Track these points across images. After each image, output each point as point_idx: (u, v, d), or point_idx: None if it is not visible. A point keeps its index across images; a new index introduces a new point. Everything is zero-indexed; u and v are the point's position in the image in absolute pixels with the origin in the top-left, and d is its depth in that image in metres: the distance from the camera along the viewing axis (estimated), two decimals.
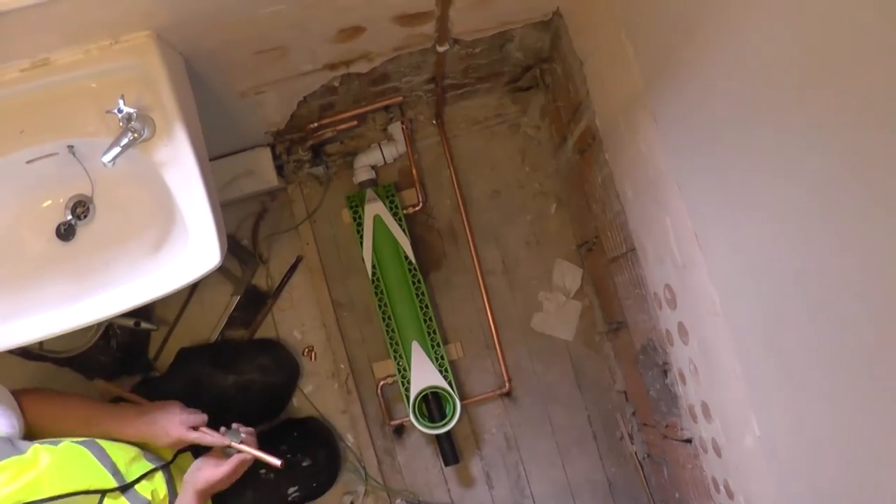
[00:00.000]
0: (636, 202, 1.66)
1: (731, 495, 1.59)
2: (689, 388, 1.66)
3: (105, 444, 1.51)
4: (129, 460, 1.54)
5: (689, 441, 1.78)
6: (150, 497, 1.53)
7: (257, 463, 2.01)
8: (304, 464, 2.06)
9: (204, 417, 1.69)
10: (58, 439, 1.46)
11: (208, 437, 1.65)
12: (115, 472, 1.48)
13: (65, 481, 1.37)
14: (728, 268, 1.30)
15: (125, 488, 1.48)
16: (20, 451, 1.37)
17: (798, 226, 1.04)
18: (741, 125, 1.11)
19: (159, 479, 1.61)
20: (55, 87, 1.34)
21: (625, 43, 1.45)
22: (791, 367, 1.18)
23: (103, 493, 1.42)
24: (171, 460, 1.69)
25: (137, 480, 1.53)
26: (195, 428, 1.66)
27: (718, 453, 1.59)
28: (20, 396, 1.54)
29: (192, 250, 1.37)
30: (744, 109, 1.09)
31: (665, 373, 1.80)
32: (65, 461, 1.40)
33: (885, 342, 0.94)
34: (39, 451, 1.38)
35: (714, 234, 1.32)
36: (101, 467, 1.46)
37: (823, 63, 0.89)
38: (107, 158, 1.28)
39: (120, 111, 1.26)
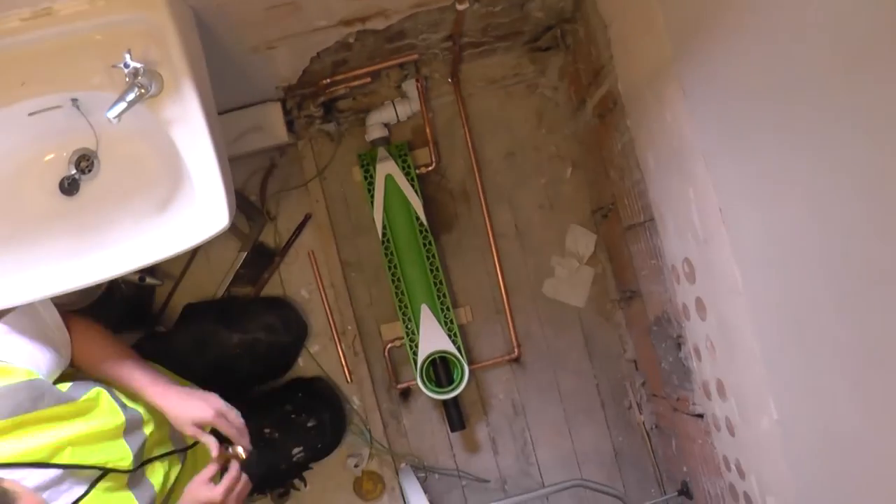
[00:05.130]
0: (658, 172, 1.61)
1: (742, 474, 1.57)
2: (705, 364, 1.62)
3: (144, 416, 1.46)
4: (156, 440, 1.50)
5: (700, 416, 1.75)
6: (159, 482, 1.47)
7: (262, 422, 2.00)
8: (309, 424, 2.04)
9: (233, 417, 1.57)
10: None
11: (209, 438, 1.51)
12: (139, 452, 1.42)
13: (87, 452, 1.31)
14: (753, 246, 1.26)
15: (136, 469, 1.42)
16: (71, 399, 1.31)
17: (829, 206, 1.01)
18: (774, 99, 1.08)
19: (174, 463, 1.56)
20: (58, 38, 1.29)
21: (655, 8, 1.39)
22: (814, 351, 1.15)
23: (106, 471, 1.35)
24: (192, 445, 1.64)
25: (151, 460, 1.48)
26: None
27: (732, 432, 1.56)
28: (69, 321, 1.47)
29: (199, 211, 1.33)
30: (780, 82, 1.05)
31: (679, 346, 1.77)
32: (98, 429, 1.34)
33: None
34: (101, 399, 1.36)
35: (740, 210, 1.28)
36: (127, 447, 1.39)
37: (862, 38, 0.85)
38: (112, 114, 1.23)
39: (126, 66, 1.21)
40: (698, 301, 1.56)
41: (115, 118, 1.23)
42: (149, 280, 2.08)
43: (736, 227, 1.31)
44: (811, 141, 1.00)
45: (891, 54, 0.81)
